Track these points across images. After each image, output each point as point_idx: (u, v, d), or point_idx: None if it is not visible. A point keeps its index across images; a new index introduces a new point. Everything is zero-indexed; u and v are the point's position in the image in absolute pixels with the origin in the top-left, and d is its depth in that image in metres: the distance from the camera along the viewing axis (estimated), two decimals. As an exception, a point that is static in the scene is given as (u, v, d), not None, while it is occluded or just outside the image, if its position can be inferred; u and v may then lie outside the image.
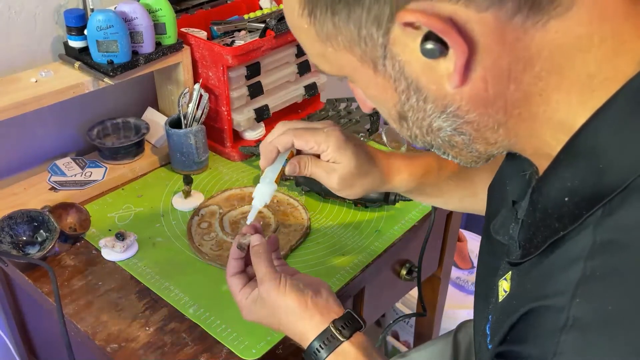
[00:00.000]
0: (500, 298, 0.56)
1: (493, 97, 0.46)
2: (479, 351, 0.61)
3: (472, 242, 1.83)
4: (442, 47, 0.44)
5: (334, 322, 0.68)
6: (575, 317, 0.41)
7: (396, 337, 1.78)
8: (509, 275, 0.55)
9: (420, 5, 0.43)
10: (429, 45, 0.44)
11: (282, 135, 0.73)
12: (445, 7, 0.42)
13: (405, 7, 0.43)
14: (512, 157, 0.60)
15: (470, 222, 2.10)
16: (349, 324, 0.68)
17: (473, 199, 0.84)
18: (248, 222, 0.76)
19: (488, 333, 0.56)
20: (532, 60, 0.44)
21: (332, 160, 0.74)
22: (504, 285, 0.56)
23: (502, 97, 0.46)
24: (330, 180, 0.75)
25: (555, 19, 0.43)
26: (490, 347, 0.54)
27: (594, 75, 0.44)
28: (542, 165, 0.50)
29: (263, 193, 0.75)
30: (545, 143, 0.48)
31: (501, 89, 0.46)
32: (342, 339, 0.67)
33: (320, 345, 0.67)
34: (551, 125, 0.47)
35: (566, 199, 0.46)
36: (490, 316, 0.57)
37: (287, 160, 0.75)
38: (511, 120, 0.48)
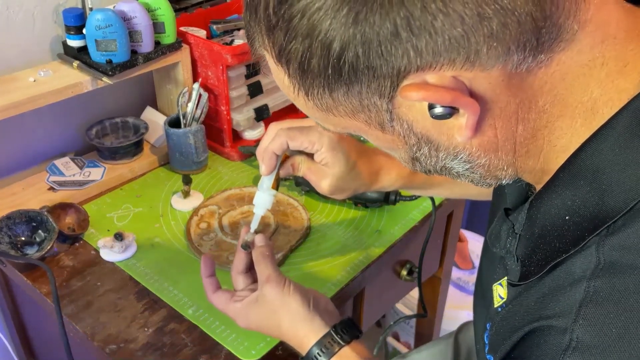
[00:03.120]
0: (496, 304, 0.56)
1: (503, 141, 0.46)
2: (479, 357, 0.61)
3: (473, 243, 1.83)
4: (451, 109, 0.43)
5: (334, 326, 0.69)
6: (579, 339, 0.41)
7: (397, 338, 1.78)
8: (504, 280, 0.55)
9: (422, 77, 0.41)
10: (438, 110, 0.43)
11: (275, 139, 0.73)
12: (448, 72, 0.41)
13: (407, 77, 0.42)
14: None
15: (472, 222, 2.10)
16: (347, 329, 0.69)
17: (464, 188, 0.84)
18: (252, 231, 0.77)
19: (486, 342, 0.56)
20: (535, 97, 0.44)
21: (324, 160, 0.73)
22: (499, 291, 0.56)
23: (511, 139, 0.46)
24: (322, 185, 0.75)
25: (557, 54, 0.42)
26: (489, 357, 0.53)
27: (597, 97, 0.44)
28: (539, 187, 0.50)
29: (263, 200, 0.76)
30: (547, 172, 0.48)
31: (510, 132, 0.46)
32: (342, 343, 0.67)
33: (318, 353, 0.67)
34: (555, 151, 0.46)
35: (567, 217, 0.45)
36: (488, 325, 0.57)
37: (281, 163, 0.75)
38: (520, 159, 0.48)
